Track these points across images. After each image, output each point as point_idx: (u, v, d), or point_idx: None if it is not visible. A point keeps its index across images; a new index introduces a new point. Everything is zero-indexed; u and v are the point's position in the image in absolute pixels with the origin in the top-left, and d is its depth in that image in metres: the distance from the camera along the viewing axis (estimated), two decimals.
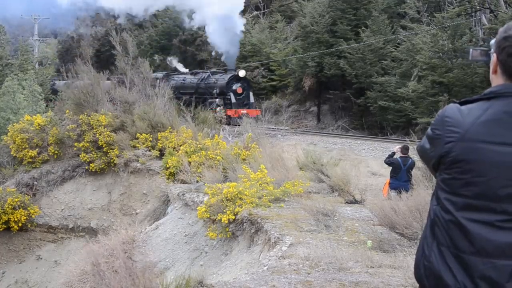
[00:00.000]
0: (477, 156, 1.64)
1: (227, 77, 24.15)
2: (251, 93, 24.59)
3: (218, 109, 22.96)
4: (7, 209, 11.31)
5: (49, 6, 38.96)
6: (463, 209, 1.65)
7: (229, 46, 25.46)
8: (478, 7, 20.54)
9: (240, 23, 26.25)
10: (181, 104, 24.21)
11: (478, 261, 1.60)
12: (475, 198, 1.64)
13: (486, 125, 1.64)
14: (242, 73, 24.10)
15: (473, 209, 1.64)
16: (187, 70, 28.64)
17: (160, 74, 27.41)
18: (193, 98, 24.40)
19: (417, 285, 1.77)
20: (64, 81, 20.84)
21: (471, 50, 1.98)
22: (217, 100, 23.74)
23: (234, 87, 23.80)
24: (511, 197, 1.60)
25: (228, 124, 22.58)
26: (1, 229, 11.50)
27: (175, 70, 31.04)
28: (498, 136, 1.63)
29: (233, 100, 23.40)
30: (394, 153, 8.75)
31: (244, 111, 22.99)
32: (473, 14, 20.91)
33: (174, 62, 31.66)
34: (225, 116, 22.93)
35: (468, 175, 1.65)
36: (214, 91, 24.20)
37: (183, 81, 26.70)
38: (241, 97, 23.84)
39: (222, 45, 26.12)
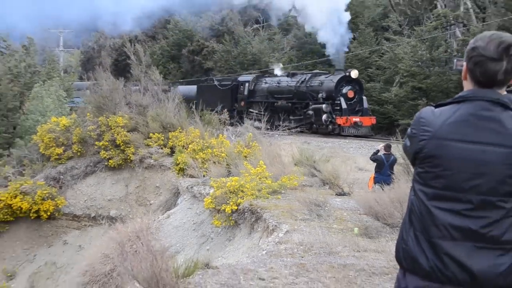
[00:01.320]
0: (445, 152, 1.66)
1: (335, 78, 18.19)
2: (364, 98, 18.64)
3: (324, 116, 17.71)
4: (37, 200, 11.34)
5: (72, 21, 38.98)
6: (433, 199, 1.68)
7: (336, 43, 19.41)
8: (452, 22, 20.55)
9: (346, 16, 19.66)
10: (276, 110, 19.97)
11: (445, 244, 1.63)
12: (444, 189, 1.66)
13: (454, 125, 1.66)
14: (354, 73, 18.16)
15: (441, 199, 1.66)
16: (281, 72, 22.65)
17: (248, 77, 22.97)
18: (291, 103, 19.76)
19: (398, 266, 1.79)
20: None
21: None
22: (323, 106, 17.92)
23: (344, 91, 18.04)
24: (475, 189, 1.62)
25: (338, 134, 17.61)
26: (32, 217, 11.52)
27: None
28: (464, 135, 1.64)
29: (344, 105, 17.68)
30: (378, 151, 8.76)
31: (356, 118, 17.86)
32: (448, 27, 20.92)
33: (275, 65, 24.76)
34: (334, 125, 17.76)
35: (437, 169, 1.67)
36: (320, 95, 18.37)
37: (278, 84, 20.93)
38: (352, 102, 18.08)
39: (328, 42, 20.26)
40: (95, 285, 7.42)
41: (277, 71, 22.82)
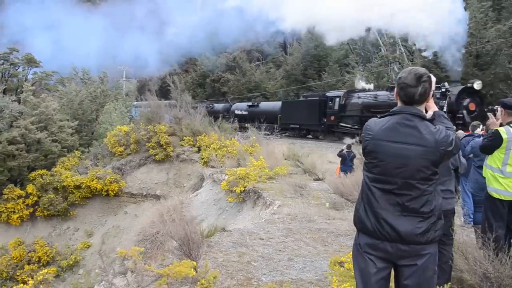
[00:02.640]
0: (380, 149, 1.69)
1: (456, 90, 11.92)
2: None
3: None
4: (107, 182, 11.39)
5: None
6: (373, 181, 1.70)
7: (449, 52, 12.58)
8: (391, 61, 20.69)
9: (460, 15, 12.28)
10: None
11: (382, 212, 1.67)
12: (380, 174, 1.68)
13: (386, 130, 1.70)
14: (478, 85, 11.88)
15: (378, 181, 1.69)
16: (370, 87, 16.75)
17: (338, 92, 17.01)
18: None
19: (355, 228, 1.80)
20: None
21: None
22: None
23: (465, 103, 11.81)
24: (400, 175, 1.65)
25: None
26: (104, 195, 11.55)
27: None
28: (392, 137, 1.67)
29: (467, 119, 11.45)
30: (343, 149, 8.72)
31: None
32: (389, 64, 20.97)
33: (356, 80, 18.61)
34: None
35: (375, 161, 1.70)
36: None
37: (374, 98, 14.71)
38: (474, 115, 11.51)
39: (440, 50, 13.09)
40: (146, 242, 7.40)
41: (370, 86, 17.15)
